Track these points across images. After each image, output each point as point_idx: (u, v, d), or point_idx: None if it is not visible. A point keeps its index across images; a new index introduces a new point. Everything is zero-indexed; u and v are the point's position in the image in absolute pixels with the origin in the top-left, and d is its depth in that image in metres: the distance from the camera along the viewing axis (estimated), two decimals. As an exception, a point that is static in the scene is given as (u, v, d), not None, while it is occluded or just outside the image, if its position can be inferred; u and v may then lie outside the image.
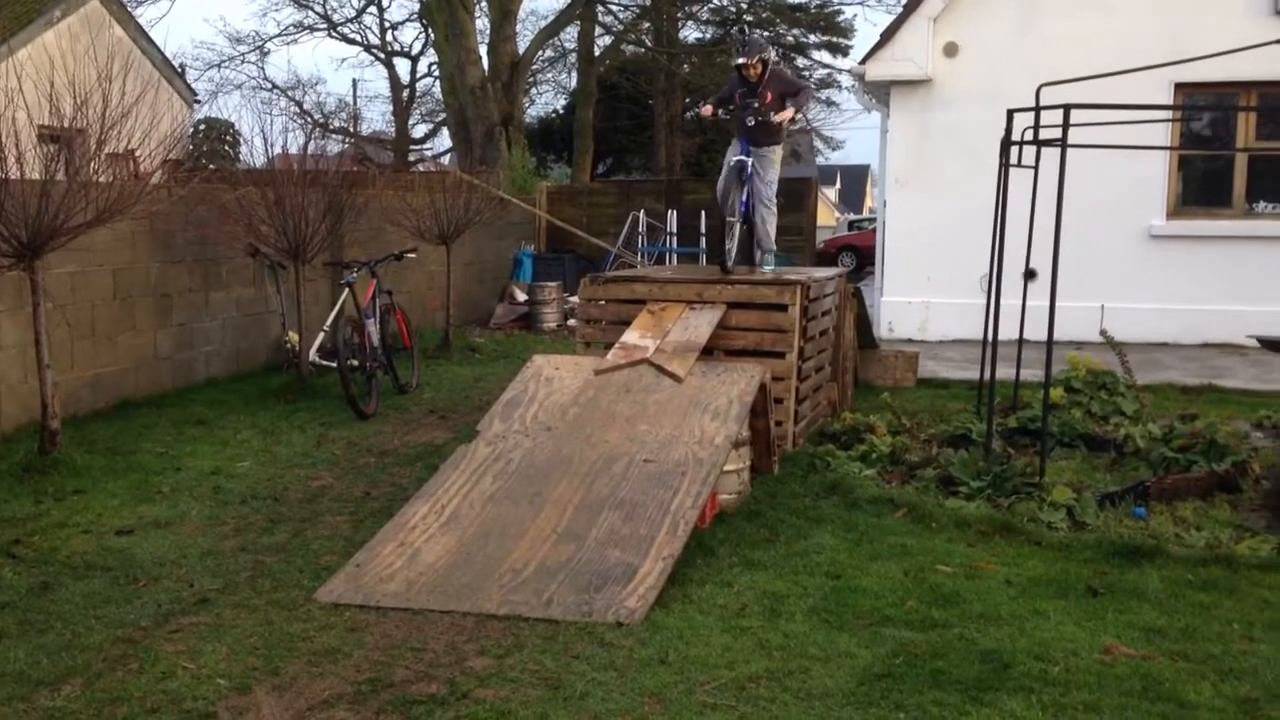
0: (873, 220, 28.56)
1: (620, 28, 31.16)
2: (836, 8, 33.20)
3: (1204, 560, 5.48)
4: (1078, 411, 8.21)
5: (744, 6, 32.61)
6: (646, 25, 32.10)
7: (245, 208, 9.96)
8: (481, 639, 4.61)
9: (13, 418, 8.23)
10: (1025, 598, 5.06)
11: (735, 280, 7.92)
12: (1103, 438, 7.77)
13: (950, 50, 13.56)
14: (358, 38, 35.54)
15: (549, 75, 35.95)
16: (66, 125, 7.55)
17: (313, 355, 10.05)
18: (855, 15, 63.36)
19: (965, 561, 5.56)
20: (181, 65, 25.85)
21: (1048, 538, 5.86)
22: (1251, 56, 9.12)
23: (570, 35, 30.50)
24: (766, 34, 33.02)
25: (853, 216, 47.32)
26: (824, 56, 35.38)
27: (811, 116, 39.16)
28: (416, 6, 32.29)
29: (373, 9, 34.96)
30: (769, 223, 8.94)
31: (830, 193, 61.76)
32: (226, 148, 19.64)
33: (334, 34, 34.22)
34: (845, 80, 32.54)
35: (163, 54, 20.97)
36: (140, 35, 20.32)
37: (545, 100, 41.27)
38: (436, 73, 29.67)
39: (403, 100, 37.22)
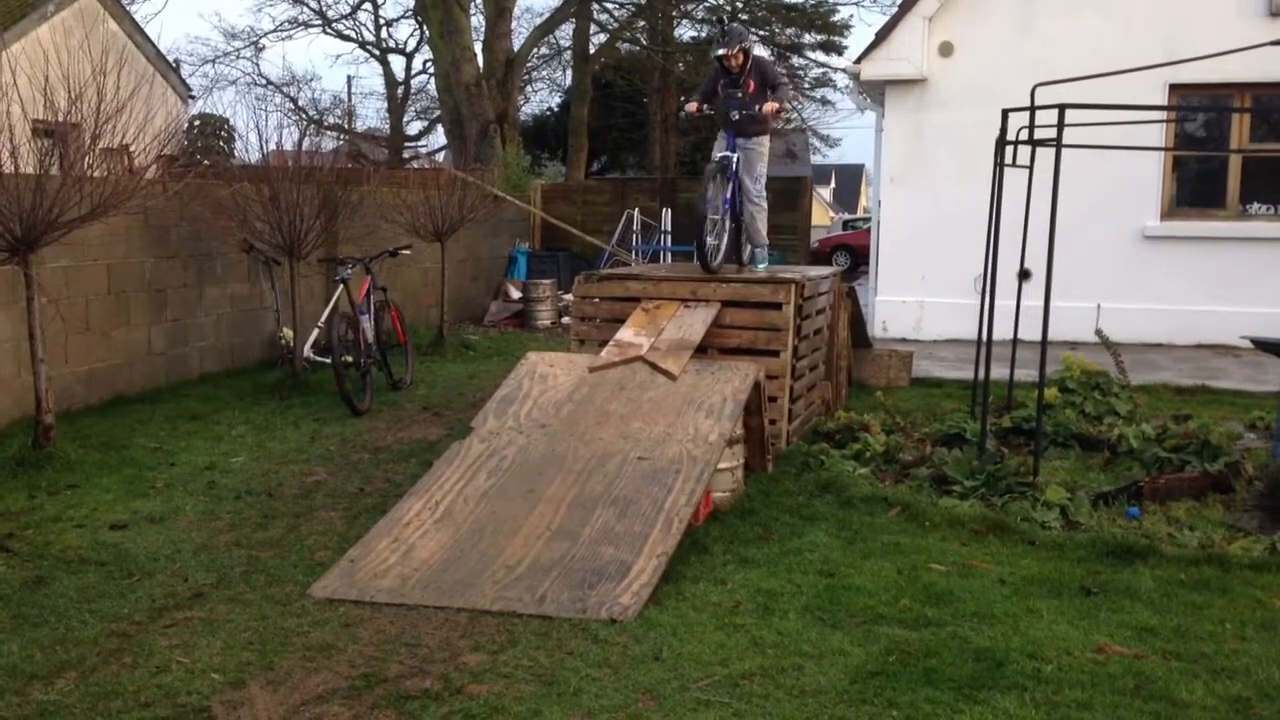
0: (867, 220, 28.61)
1: (615, 26, 31.14)
2: (831, 7, 33.20)
3: (1197, 560, 5.50)
4: (1071, 411, 8.23)
5: (739, 5, 32.60)
6: (641, 23, 32.08)
7: (240, 204, 9.95)
8: (475, 635, 4.61)
9: (6, 412, 8.22)
10: (1018, 597, 5.07)
11: (729, 279, 7.93)
12: (1096, 438, 7.78)
13: (945, 50, 13.58)
14: (353, 34, 35.52)
15: (544, 73, 35.94)
16: (61, 120, 7.54)
17: (307, 351, 10.05)
18: (851, 15, 63.49)
19: (959, 560, 5.57)
20: (176, 61, 25.84)
21: (1041, 537, 5.87)
22: (1246, 58, 9.15)
23: (565, 33, 30.49)
24: (760, 32, 33.08)
25: (847, 216, 47.37)
26: (819, 56, 35.39)
27: (807, 115, 39.22)
28: (411, 3, 32.30)
29: (368, 5, 34.95)
30: (758, 219, 8.78)
31: (825, 192, 61.83)
32: (221, 143, 19.60)
33: (329, 30, 34.18)
34: (840, 80, 32.54)
35: (157, 49, 20.94)
36: (135, 30, 20.27)
37: (540, 98, 41.27)
38: (431, 70, 29.62)
39: (397, 97, 37.19)
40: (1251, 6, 12.67)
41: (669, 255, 18.88)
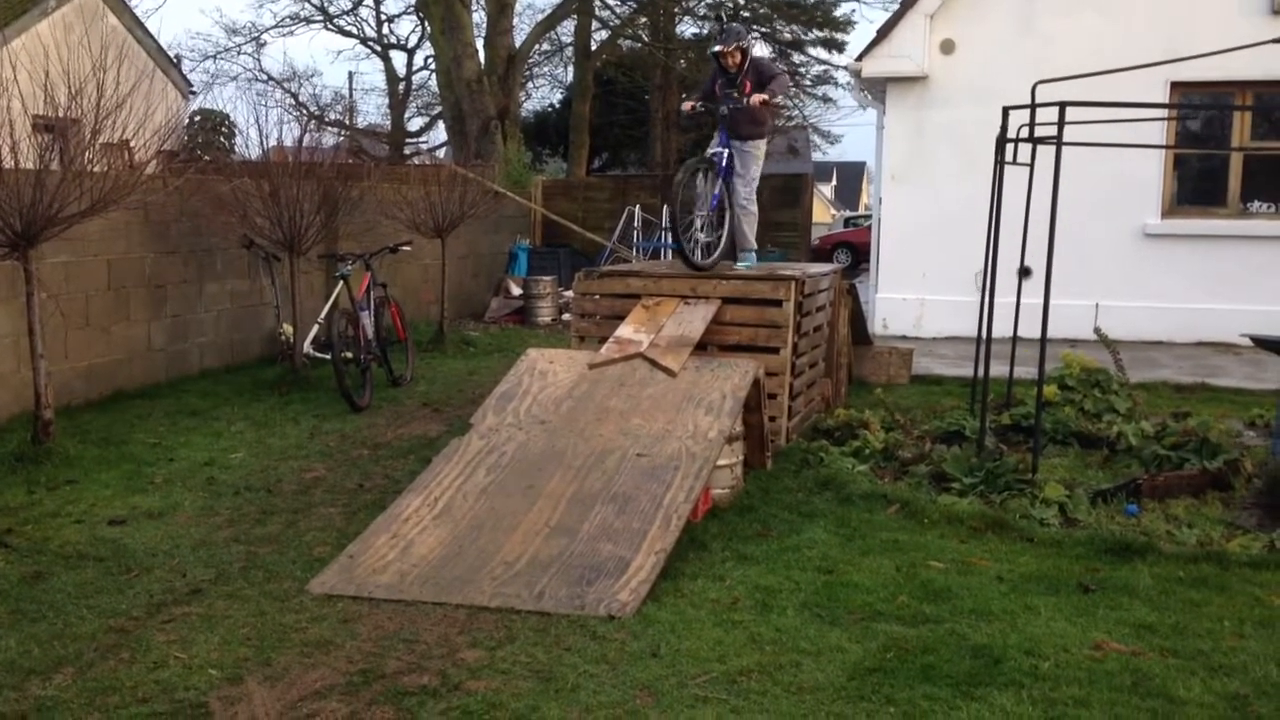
0: (868, 217, 28.60)
1: (617, 22, 31.11)
2: (833, 4, 33.17)
3: (1195, 558, 5.50)
4: (1071, 409, 8.23)
5: (741, 2, 32.57)
6: (643, 20, 32.04)
7: (240, 199, 9.95)
8: (474, 631, 4.61)
9: (6, 407, 8.22)
10: (1016, 594, 5.07)
11: (730, 275, 7.92)
12: (1096, 435, 7.78)
13: (947, 47, 13.57)
14: (354, 30, 35.49)
15: (545, 69, 35.90)
16: (61, 115, 7.54)
17: (307, 347, 10.05)
18: (853, 10, 63.45)
19: (957, 557, 5.57)
20: (177, 56, 25.82)
21: (1040, 534, 5.87)
22: (1247, 56, 9.14)
23: (567, 29, 30.46)
24: (762, 29, 33.04)
25: (848, 213, 47.34)
26: (821, 53, 35.36)
27: (808, 113, 39.20)
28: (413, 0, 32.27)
29: (369, 1, 34.91)
30: (746, 223, 8.65)
31: (826, 189, 61.79)
32: (222, 139, 19.60)
33: (330, 26, 34.14)
34: (842, 77, 32.56)
35: (158, 44, 20.93)
36: (135, 25, 20.26)
37: (541, 94, 41.30)
38: (433, 66, 29.64)
39: (398, 93, 37.17)
40: (1253, 4, 12.65)
41: (669, 252, 18.88)
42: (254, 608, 4.87)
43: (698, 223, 8.01)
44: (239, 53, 33.48)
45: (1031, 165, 7.70)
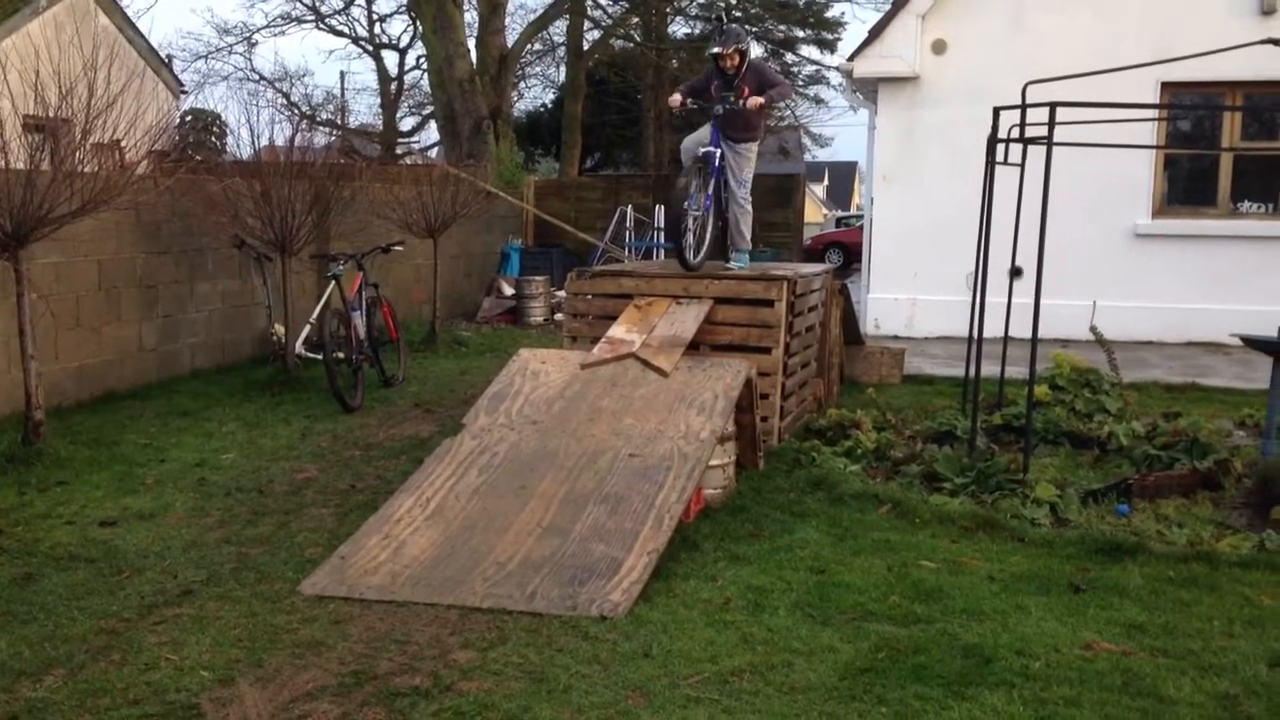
0: (860, 217, 28.63)
1: (609, 22, 31.12)
2: (825, 4, 33.23)
3: (1185, 557, 5.51)
4: (1062, 409, 8.24)
5: (733, 1, 32.59)
6: (635, 20, 32.06)
7: (231, 199, 9.93)
8: (465, 632, 4.61)
9: (-4, 408, 8.20)
10: (1007, 594, 5.08)
11: (722, 275, 7.93)
12: (1087, 435, 7.80)
13: (938, 48, 13.58)
14: (345, 30, 35.42)
15: (537, 69, 35.92)
16: (51, 115, 7.52)
17: (298, 348, 10.03)
18: (844, 12, 63.52)
19: (948, 557, 5.58)
20: (168, 56, 25.76)
21: (1031, 534, 5.89)
22: (1237, 56, 9.16)
23: (559, 29, 30.47)
24: (754, 29, 33.03)
25: (840, 213, 47.39)
26: (812, 53, 35.43)
27: (800, 113, 39.23)
28: (405, -1, 32.25)
29: (360, 1, 34.89)
30: (743, 221, 8.61)
31: (818, 189, 61.84)
32: (213, 139, 19.57)
33: (322, 26, 34.10)
34: (834, 77, 32.59)
35: (149, 44, 20.89)
36: (126, 24, 20.22)
37: (533, 94, 41.35)
38: (425, 65, 29.58)
39: (390, 93, 37.12)
40: (1243, 5, 12.69)
41: (662, 252, 18.88)
42: (245, 609, 4.87)
43: (690, 223, 7.93)
44: (230, 52, 33.48)
45: (1022, 165, 7.71)
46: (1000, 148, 7.86)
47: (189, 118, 21.58)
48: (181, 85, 24.44)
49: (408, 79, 37.25)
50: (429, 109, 33.95)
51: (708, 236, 8.20)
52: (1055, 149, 6.61)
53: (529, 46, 29.53)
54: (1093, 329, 8.71)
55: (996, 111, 7.84)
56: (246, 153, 11.07)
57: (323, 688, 4.11)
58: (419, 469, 6.26)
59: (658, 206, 19.24)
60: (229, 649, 4.44)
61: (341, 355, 9.35)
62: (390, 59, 36.70)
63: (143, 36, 20.57)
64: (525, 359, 7.14)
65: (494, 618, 4.75)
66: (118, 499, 6.59)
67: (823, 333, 8.90)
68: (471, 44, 23.53)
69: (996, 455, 7.00)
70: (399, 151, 33.98)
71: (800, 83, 37.16)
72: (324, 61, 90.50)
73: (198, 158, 13.34)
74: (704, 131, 8.33)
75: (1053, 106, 6.59)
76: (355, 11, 35.56)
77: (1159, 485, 6.60)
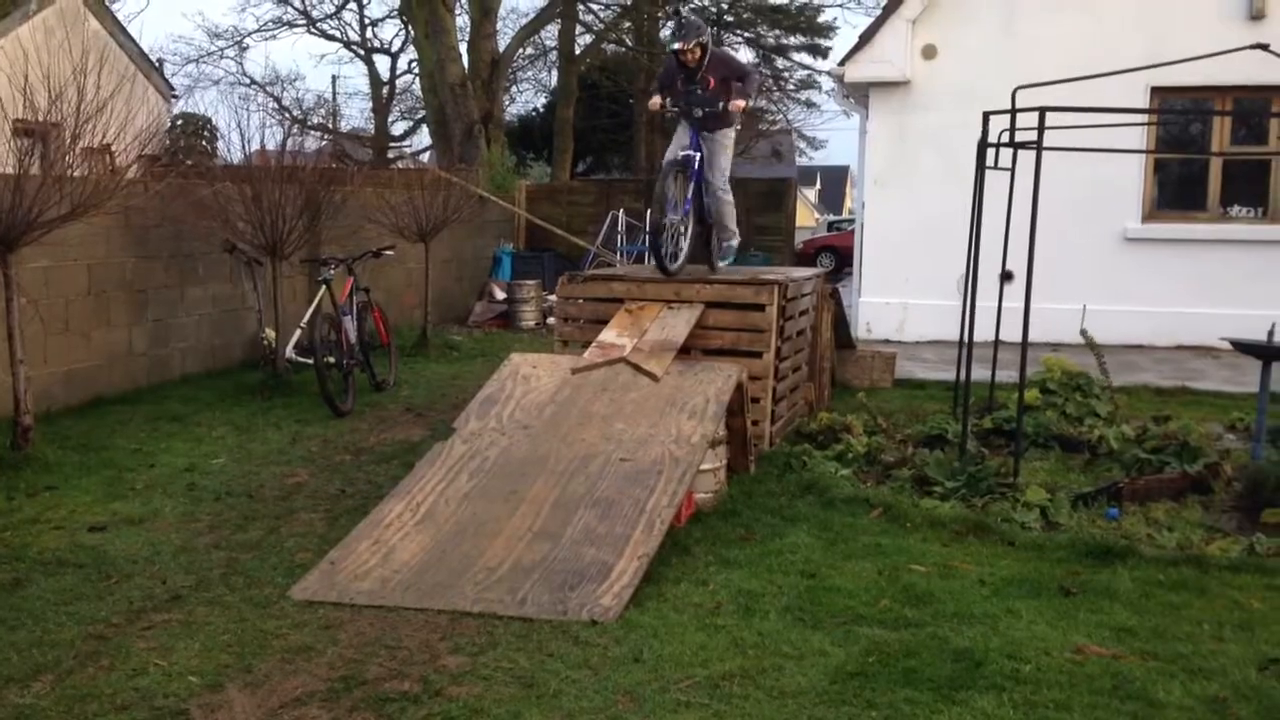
0: (852, 221, 28.65)
1: (601, 26, 31.16)
2: (816, 9, 33.27)
3: (1175, 561, 5.52)
4: (1052, 413, 8.25)
5: (724, 6, 32.63)
6: (627, 24, 32.10)
7: (222, 203, 9.91)
8: (455, 637, 4.60)
9: (-15, 413, 8.17)
10: (998, 597, 5.09)
11: (713, 280, 7.92)
12: (1077, 439, 7.81)
13: (929, 52, 13.61)
14: (337, 34, 35.44)
15: (529, 73, 35.93)
16: (41, 119, 7.50)
17: (289, 352, 10.01)
18: (835, 17, 63.53)
19: (939, 561, 5.58)
20: (159, 60, 25.72)
21: (1021, 538, 5.89)
22: (1227, 61, 9.18)
23: (551, 33, 30.50)
24: (746, 34, 33.04)
25: (832, 217, 47.46)
26: (804, 58, 35.49)
27: (792, 117, 39.28)
28: (396, 3, 32.25)
29: (352, 5, 34.90)
30: (726, 211, 8.45)
31: (810, 193, 61.94)
32: (204, 143, 19.53)
33: (313, 30, 34.11)
34: (825, 82, 32.66)
35: (140, 48, 20.85)
36: (117, 29, 20.18)
37: (525, 98, 41.21)
38: (416, 70, 29.58)
39: (382, 97, 37.12)
40: (1232, 10, 12.75)
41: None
42: (235, 614, 4.85)
43: (670, 228, 7.81)
44: (221, 56, 33.46)
45: (1013, 170, 7.73)
46: (991, 152, 7.87)
47: (180, 122, 21.53)
48: (172, 89, 24.41)
49: (399, 83, 37.30)
50: (421, 113, 33.97)
51: (686, 242, 8.09)
52: (1045, 153, 6.62)
53: (521, 51, 29.56)
54: (1083, 333, 8.73)
55: (986, 116, 7.86)
56: (237, 157, 11.07)
57: (312, 693, 4.09)
58: (409, 474, 6.25)
59: (649, 211, 19.25)
60: (218, 654, 4.43)
61: (332, 360, 9.34)
62: (382, 63, 36.76)
63: (133, 41, 20.54)
64: (516, 363, 7.13)
65: (484, 622, 4.74)
66: (107, 504, 6.56)
67: (814, 337, 8.91)
68: (463, 48, 23.53)
69: (987, 459, 7.01)
70: (390, 156, 33.97)
71: (792, 87, 37.24)
72: (315, 66, 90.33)
73: (188, 162, 13.31)
74: (683, 135, 8.19)
75: (1042, 111, 6.60)
76: (347, 16, 35.68)
77: (1149, 489, 6.62)
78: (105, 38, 17.87)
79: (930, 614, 4.87)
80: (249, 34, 35.83)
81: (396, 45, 36.11)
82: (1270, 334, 7.34)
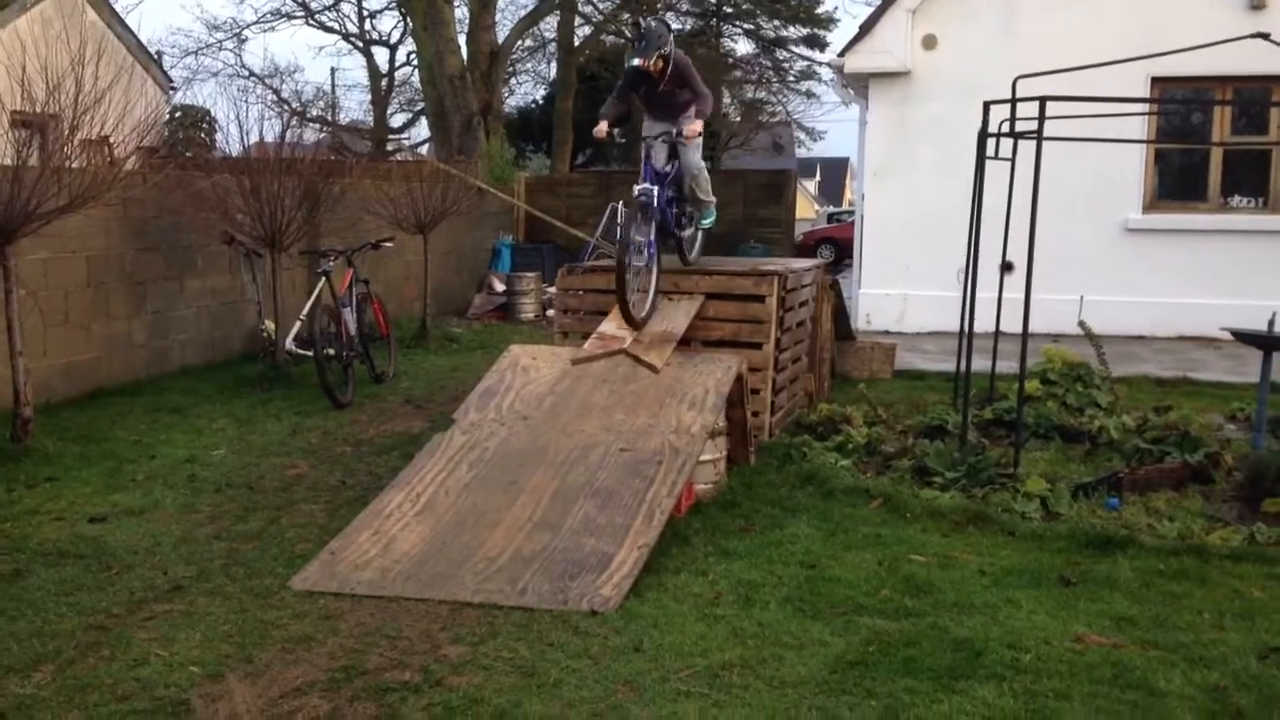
0: (852, 213, 28.63)
1: (600, 18, 31.09)
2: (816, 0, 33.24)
3: (1176, 550, 5.52)
4: (1053, 403, 8.25)
5: (725, -2, 32.60)
6: (626, 15, 31.99)
7: (221, 195, 9.90)
8: (456, 627, 4.60)
9: (-15, 405, 8.17)
10: (998, 587, 5.09)
11: (713, 271, 7.91)
12: (1077, 429, 7.81)
13: (929, 43, 13.59)
14: (336, 26, 35.34)
15: (528, 65, 35.90)
16: (39, 110, 7.49)
17: (289, 344, 10.01)
18: (836, 7, 63.46)
19: (939, 551, 5.58)
20: (158, 52, 25.68)
21: (1021, 528, 5.89)
22: (1227, 51, 9.16)
23: (550, 25, 30.45)
24: (747, 26, 32.95)
25: (832, 209, 47.44)
26: (804, 49, 35.45)
27: (792, 108, 39.24)
28: (395, -5, 32.17)
29: (351, -4, 34.78)
30: (700, 186, 7.87)
31: (810, 185, 61.89)
32: (202, 135, 19.50)
33: (312, 22, 34.01)
34: (825, 73, 32.58)
35: (138, 40, 20.81)
36: (115, 20, 20.16)
37: (524, 90, 41.24)
38: (415, 62, 29.52)
39: (381, 89, 37.06)
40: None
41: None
42: (235, 605, 4.85)
43: (634, 273, 7.22)
44: (220, 48, 33.36)
45: (1013, 160, 7.71)
46: (991, 142, 7.86)
47: (178, 114, 21.51)
48: (171, 81, 24.38)
49: (398, 75, 37.24)
50: (420, 105, 33.90)
51: (653, 284, 7.50)
52: (1046, 144, 6.61)
53: (520, 42, 29.51)
54: (1081, 324, 8.73)
55: (986, 106, 7.84)
56: (236, 149, 11.05)
57: (312, 683, 4.09)
58: (409, 465, 6.25)
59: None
60: (219, 645, 4.43)
61: (332, 352, 9.33)
62: (381, 55, 36.68)
63: (131, 32, 20.48)
64: (516, 355, 7.12)
65: (484, 612, 4.74)
66: (107, 495, 6.56)
67: (814, 328, 8.90)
68: (462, 40, 23.50)
69: (987, 450, 7.01)
70: (389, 148, 33.92)
71: (792, 78, 37.20)
72: (314, 58, 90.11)
73: (187, 154, 13.30)
74: (659, 154, 7.72)
75: (1042, 101, 6.59)
76: (345, 7, 35.54)
77: (1150, 479, 6.61)
78: (103, 29, 17.86)
79: (930, 604, 4.87)
80: (247, 26, 35.84)
81: (395, 37, 36.08)
82: (1271, 324, 7.34)
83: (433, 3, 22.06)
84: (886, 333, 13.27)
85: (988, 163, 7.93)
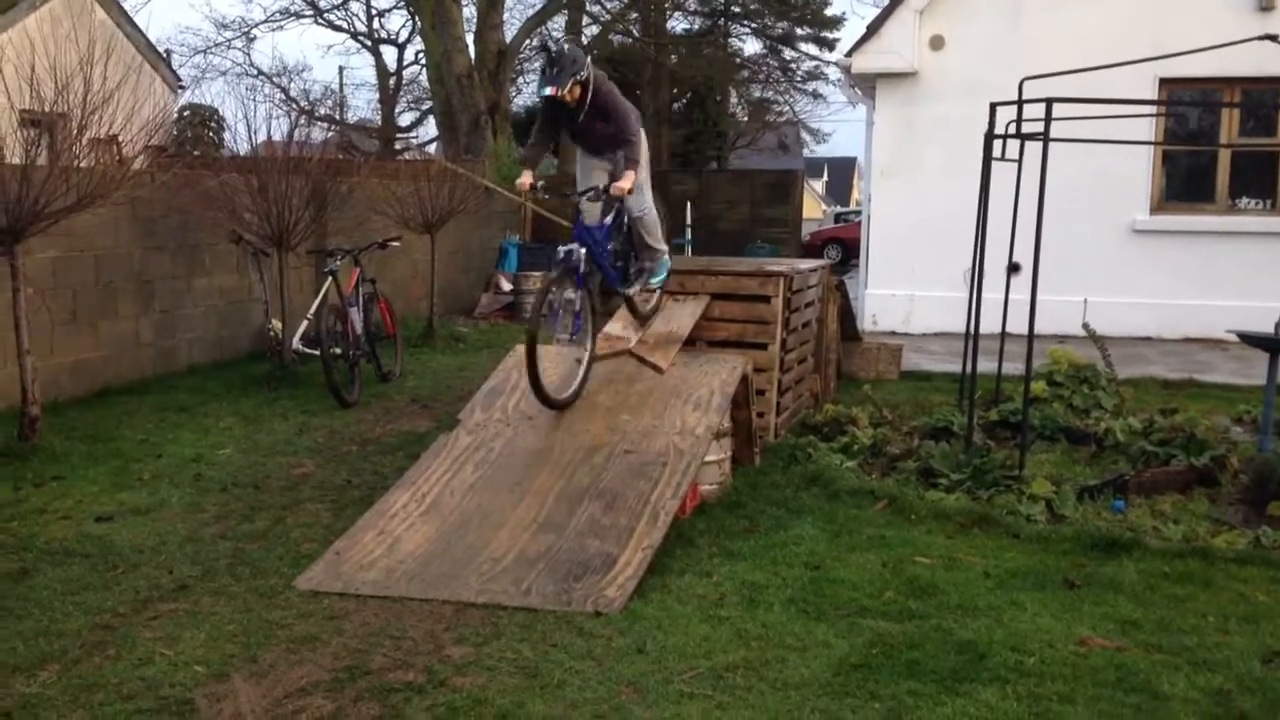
0: (859, 213, 28.61)
1: (608, 18, 31.11)
2: (824, 1, 33.23)
3: (1181, 553, 5.51)
4: (1059, 405, 8.24)
5: (732, -2, 32.58)
6: (634, 15, 32.05)
7: (228, 194, 9.92)
8: (460, 627, 4.61)
9: (-8, 403, 8.19)
10: (1003, 589, 5.08)
11: (719, 271, 7.91)
12: (1083, 431, 7.80)
13: (936, 43, 13.59)
14: (344, 24, 35.39)
15: (536, 64, 35.85)
16: (48, 110, 7.51)
17: (296, 343, 10.02)
18: (844, 11, 63.51)
19: (944, 553, 5.58)
20: (167, 51, 25.72)
21: (1026, 530, 5.89)
22: (1235, 52, 9.16)
23: (557, 24, 30.43)
24: (754, 25, 32.85)
25: (839, 209, 47.39)
26: (811, 49, 35.43)
27: (799, 108, 39.20)
28: (403, -6, 32.21)
29: (359, -5, 34.81)
30: (649, 231, 7.06)
31: (817, 185, 61.83)
32: (210, 134, 19.54)
33: (320, 21, 34.05)
34: (832, 73, 32.57)
35: (147, 39, 20.86)
36: (124, 19, 20.20)
37: (532, 90, 41.16)
38: (423, 61, 29.55)
39: (389, 88, 37.09)
40: (1241, 1, 12.68)
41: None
42: (240, 604, 4.86)
43: (558, 344, 6.51)
44: (229, 47, 33.39)
45: (1020, 161, 7.70)
46: (998, 144, 7.85)
47: (186, 113, 21.55)
48: (179, 80, 24.42)
49: (406, 74, 37.26)
50: (427, 104, 33.94)
51: (587, 356, 6.69)
52: (1053, 145, 6.60)
53: (527, 42, 29.49)
54: (1085, 326, 8.72)
55: (993, 107, 7.83)
56: (244, 148, 11.06)
57: (317, 683, 4.11)
58: (415, 464, 6.26)
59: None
60: (224, 644, 4.44)
61: (339, 351, 9.35)
62: (389, 54, 36.72)
63: (140, 31, 20.54)
64: (522, 354, 7.12)
65: (489, 613, 4.75)
66: (114, 494, 6.58)
67: (819, 329, 8.90)
68: (470, 39, 23.51)
69: (993, 451, 7.01)
70: (397, 147, 33.95)
71: (799, 78, 37.17)
72: (322, 56, 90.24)
73: (195, 153, 13.33)
74: (586, 167, 6.99)
75: (1049, 102, 6.59)
76: (354, 6, 35.74)
77: (1155, 481, 6.61)
78: (112, 28, 17.88)
79: (934, 606, 4.87)
80: (256, 25, 35.90)
81: (403, 36, 36.08)
82: (1277, 326, 7.33)
83: (441, 2, 22.08)
84: (893, 334, 13.26)
85: (995, 164, 7.91)
